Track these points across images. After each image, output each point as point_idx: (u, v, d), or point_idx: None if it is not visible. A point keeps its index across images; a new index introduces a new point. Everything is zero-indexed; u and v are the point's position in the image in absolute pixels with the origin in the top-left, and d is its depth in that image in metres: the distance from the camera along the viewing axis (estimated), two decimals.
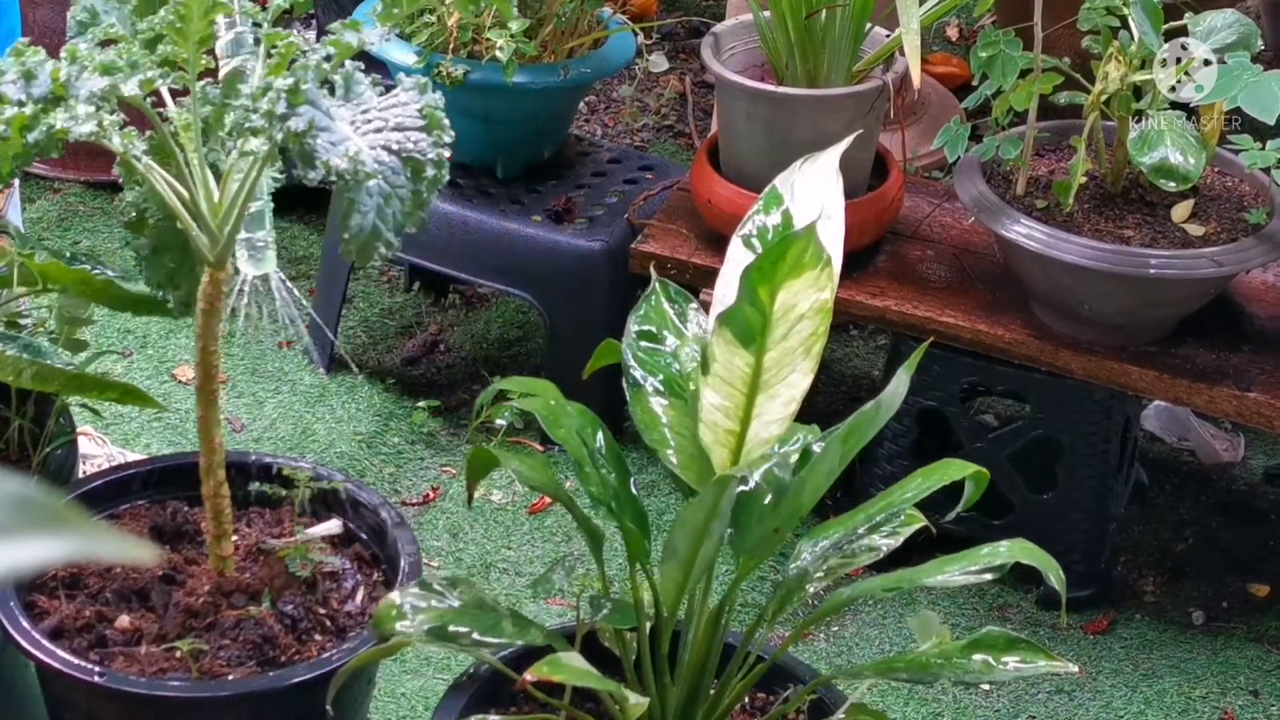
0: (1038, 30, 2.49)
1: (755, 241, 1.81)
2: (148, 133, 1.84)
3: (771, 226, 1.82)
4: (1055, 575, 1.73)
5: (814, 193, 1.81)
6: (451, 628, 1.77)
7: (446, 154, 1.74)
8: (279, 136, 1.67)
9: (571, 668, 1.67)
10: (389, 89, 1.79)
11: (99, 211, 3.48)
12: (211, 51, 1.84)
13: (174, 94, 1.86)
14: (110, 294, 2.19)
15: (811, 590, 1.85)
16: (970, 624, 2.62)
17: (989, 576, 1.76)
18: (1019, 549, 1.77)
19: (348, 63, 1.75)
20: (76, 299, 2.23)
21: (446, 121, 1.75)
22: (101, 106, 1.72)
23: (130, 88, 1.75)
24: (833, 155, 1.83)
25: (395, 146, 1.70)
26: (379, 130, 1.71)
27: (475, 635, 1.78)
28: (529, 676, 1.64)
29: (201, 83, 1.80)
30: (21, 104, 1.72)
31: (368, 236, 1.69)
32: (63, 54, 1.76)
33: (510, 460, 1.85)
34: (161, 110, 1.83)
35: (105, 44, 1.84)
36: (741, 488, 1.81)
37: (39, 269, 2.16)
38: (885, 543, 1.84)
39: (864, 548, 1.83)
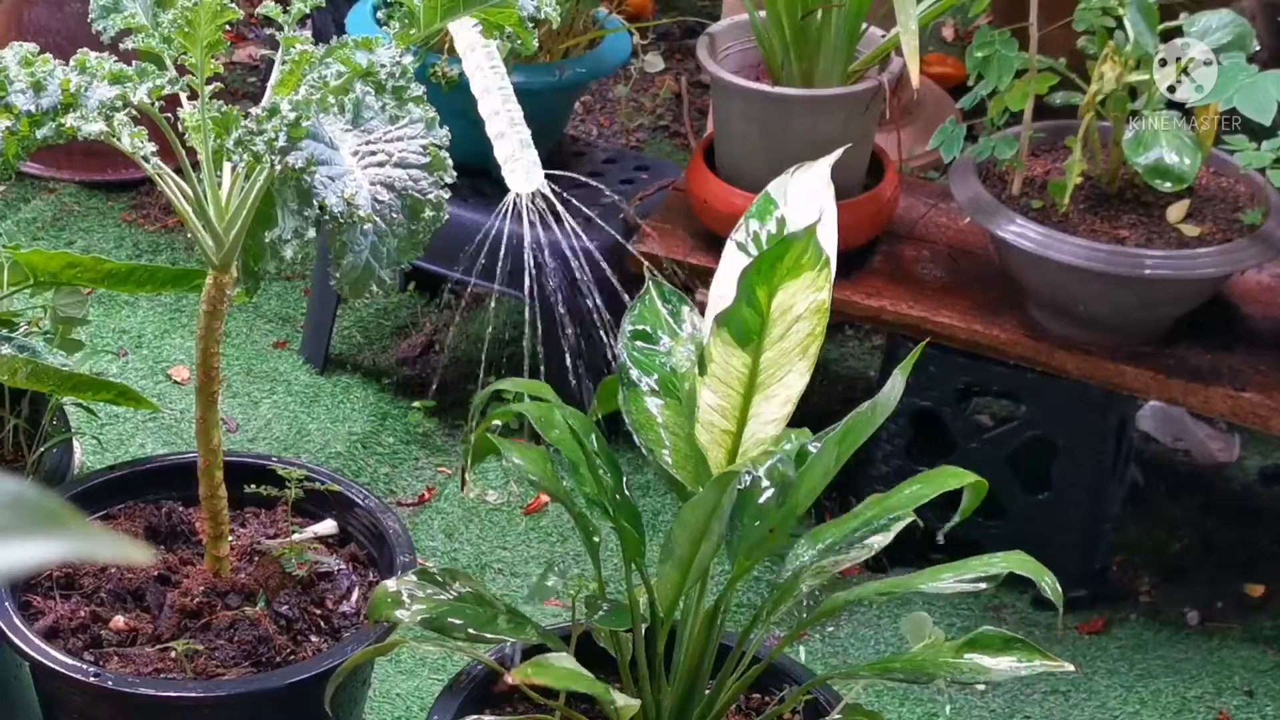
0: (1033, 30, 2.49)
1: (750, 246, 1.81)
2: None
3: (766, 232, 1.82)
4: (1049, 585, 1.73)
5: (808, 199, 1.81)
6: (447, 620, 1.77)
7: (446, 195, 1.74)
8: (277, 168, 1.66)
9: (558, 669, 1.67)
10: None
11: (94, 211, 3.48)
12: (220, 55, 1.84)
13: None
14: (100, 271, 2.19)
15: (806, 589, 1.85)
16: (965, 624, 2.62)
17: (982, 586, 1.76)
18: (1013, 559, 1.77)
19: (358, 86, 1.74)
20: (71, 297, 2.23)
21: (450, 161, 1.75)
22: (112, 116, 1.72)
23: (140, 95, 1.75)
24: (825, 164, 1.83)
25: (397, 184, 1.69)
26: (381, 165, 1.70)
27: (470, 629, 1.78)
28: (512, 679, 1.64)
29: (210, 87, 1.80)
30: (31, 114, 1.72)
31: (361, 274, 1.69)
32: (72, 62, 1.76)
33: (510, 451, 1.85)
34: (168, 115, 1.83)
35: (124, 32, 1.84)
36: (739, 488, 1.81)
37: (24, 259, 2.16)
38: (876, 539, 1.84)
39: (857, 545, 1.84)
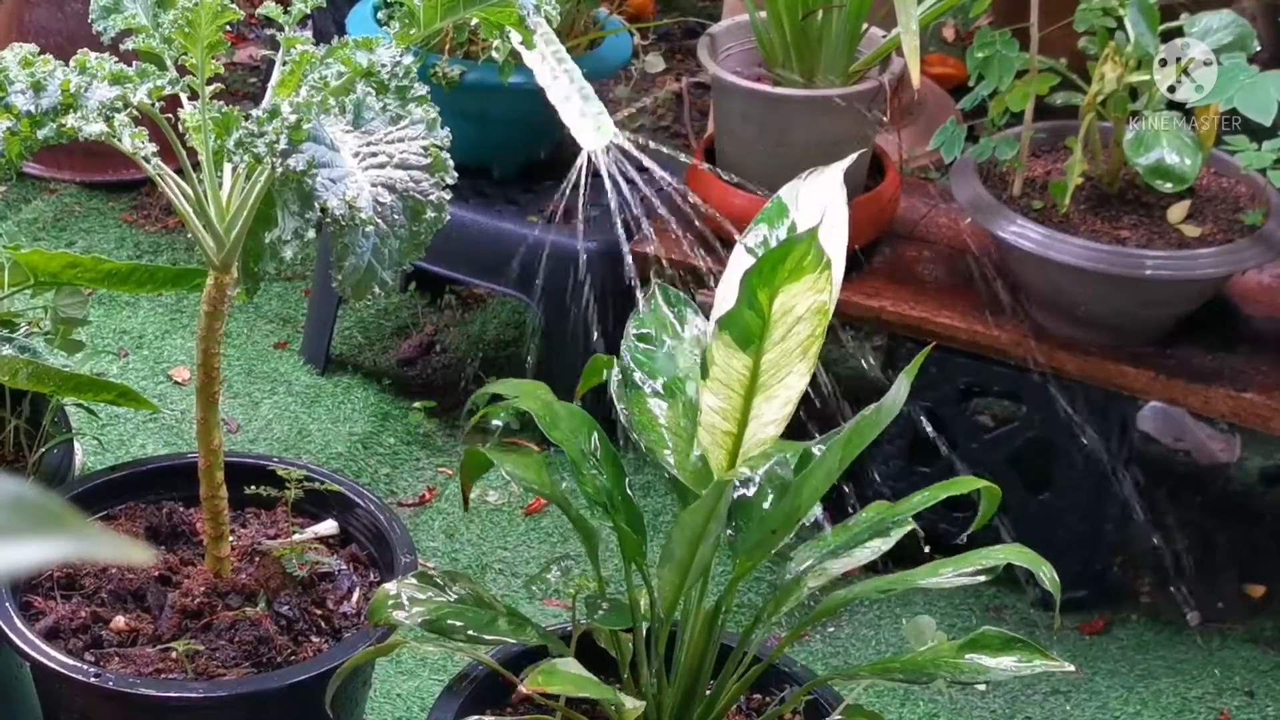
0: (1034, 31, 2.49)
1: (760, 251, 1.81)
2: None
3: (776, 237, 1.82)
4: (1047, 576, 1.73)
5: (819, 204, 1.81)
6: (447, 622, 1.77)
7: (447, 196, 1.74)
8: (279, 171, 1.66)
9: (568, 676, 1.67)
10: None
11: (95, 212, 3.48)
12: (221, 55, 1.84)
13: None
14: (101, 271, 2.19)
15: (807, 592, 1.85)
16: (966, 625, 2.62)
17: (982, 578, 1.77)
18: (1011, 550, 1.77)
19: (359, 86, 1.74)
20: (72, 298, 2.23)
21: (451, 162, 1.75)
22: (112, 117, 1.72)
23: (140, 96, 1.75)
24: (838, 169, 1.83)
25: (398, 186, 1.69)
26: (382, 166, 1.70)
27: (470, 631, 1.78)
28: (525, 689, 1.64)
29: (211, 87, 1.80)
30: (31, 115, 1.72)
31: (363, 276, 1.69)
32: (72, 63, 1.76)
33: (504, 461, 1.85)
34: (169, 116, 1.83)
35: (125, 33, 1.84)
36: (742, 491, 1.81)
37: (24, 259, 2.16)
38: (877, 542, 1.84)
39: (859, 548, 1.84)
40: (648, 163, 1.99)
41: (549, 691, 1.67)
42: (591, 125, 1.92)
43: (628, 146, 1.95)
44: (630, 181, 1.98)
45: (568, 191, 2.01)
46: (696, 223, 2.24)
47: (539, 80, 1.96)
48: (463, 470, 1.93)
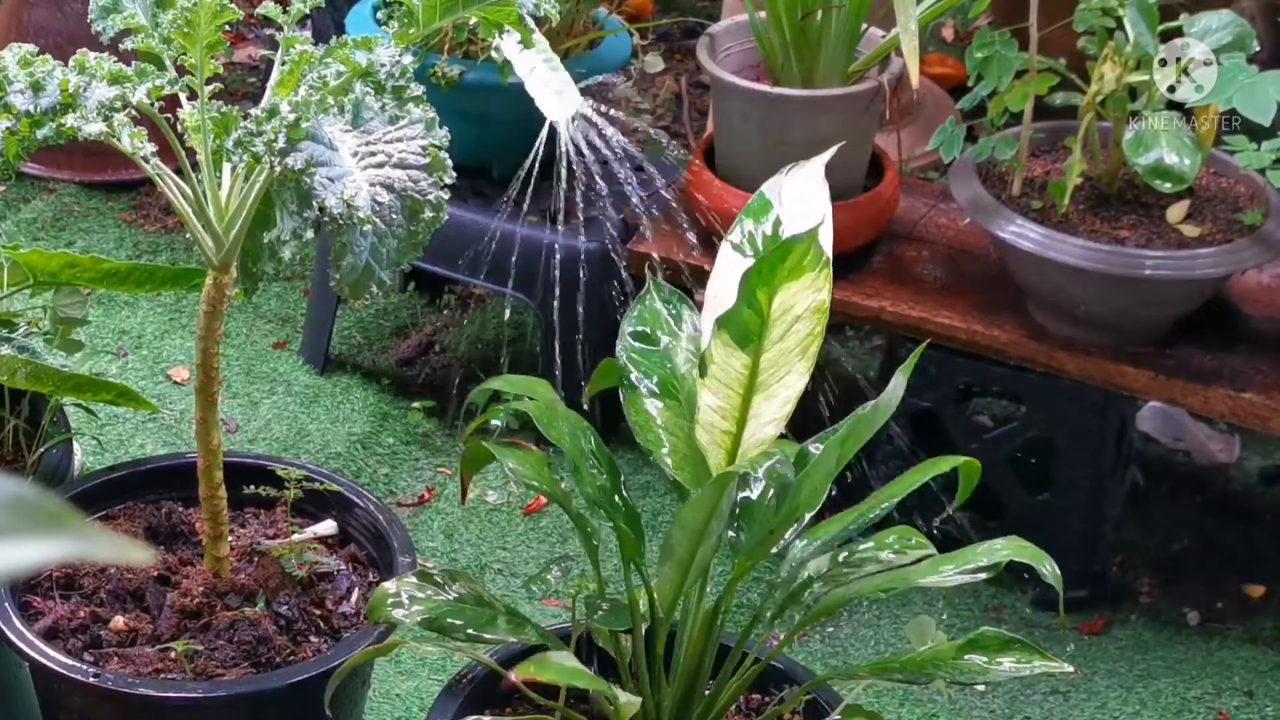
0: (1033, 31, 2.49)
1: (746, 247, 1.81)
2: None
3: (762, 233, 1.82)
4: (1051, 571, 1.73)
5: (802, 199, 1.81)
6: (447, 620, 1.77)
7: (446, 195, 1.74)
8: (277, 170, 1.66)
9: (560, 667, 1.67)
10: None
11: (94, 212, 3.48)
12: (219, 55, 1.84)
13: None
14: (100, 271, 2.19)
15: (806, 594, 1.84)
16: (965, 625, 2.62)
17: (984, 575, 1.76)
18: (1013, 546, 1.76)
19: (358, 86, 1.74)
20: (71, 298, 2.23)
21: (449, 161, 1.75)
22: (111, 116, 1.72)
23: (139, 95, 1.75)
24: (818, 163, 1.83)
25: (396, 185, 1.69)
26: (380, 166, 1.70)
27: (470, 630, 1.78)
28: (516, 676, 1.64)
29: (210, 87, 1.80)
30: (30, 115, 1.72)
31: (360, 275, 1.69)
32: (71, 63, 1.76)
33: (506, 457, 1.85)
34: (168, 115, 1.82)
35: (124, 33, 1.85)
36: (746, 494, 1.81)
37: (24, 259, 2.16)
38: (892, 559, 1.83)
39: (870, 559, 1.82)
40: (615, 133, 1.99)
41: (540, 681, 1.66)
42: (555, 97, 1.91)
43: (594, 117, 1.95)
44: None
45: (533, 169, 2.00)
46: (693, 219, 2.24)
47: (506, 53, 1.95)
48: (463, 463, 1.93)
